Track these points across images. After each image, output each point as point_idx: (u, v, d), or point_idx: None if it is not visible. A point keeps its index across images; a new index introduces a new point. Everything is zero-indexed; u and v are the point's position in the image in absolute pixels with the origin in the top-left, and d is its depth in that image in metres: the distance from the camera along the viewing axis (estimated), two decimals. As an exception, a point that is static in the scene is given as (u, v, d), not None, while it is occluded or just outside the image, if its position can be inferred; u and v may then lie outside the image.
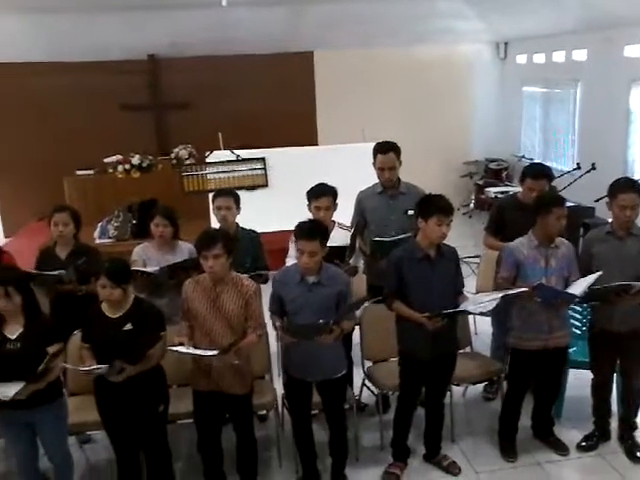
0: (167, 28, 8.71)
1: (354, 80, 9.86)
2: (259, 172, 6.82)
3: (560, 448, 3.92)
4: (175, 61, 9.40)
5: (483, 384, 4.51)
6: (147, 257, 4.10)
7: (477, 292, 4.99)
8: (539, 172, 4.21)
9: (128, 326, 3.17)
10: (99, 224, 7.32)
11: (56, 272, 3.94)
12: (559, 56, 8.87)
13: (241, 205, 4.28)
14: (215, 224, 4.42)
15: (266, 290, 4.07)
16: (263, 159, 6.87)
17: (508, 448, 3.91)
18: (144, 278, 3.87)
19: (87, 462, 3.96)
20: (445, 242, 3.54)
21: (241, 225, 4.30)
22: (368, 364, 4.19)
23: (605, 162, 7.09)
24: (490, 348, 4.60)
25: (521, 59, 10.08)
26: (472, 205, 9.95)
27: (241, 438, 3.54)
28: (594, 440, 3.96)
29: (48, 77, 9.19)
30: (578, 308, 4.40)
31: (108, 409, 3.32)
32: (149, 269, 3.95)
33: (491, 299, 3.44)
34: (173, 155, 8.43)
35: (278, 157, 6.87)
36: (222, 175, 6.77)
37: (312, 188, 4.08)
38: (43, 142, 9.34)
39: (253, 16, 8.70)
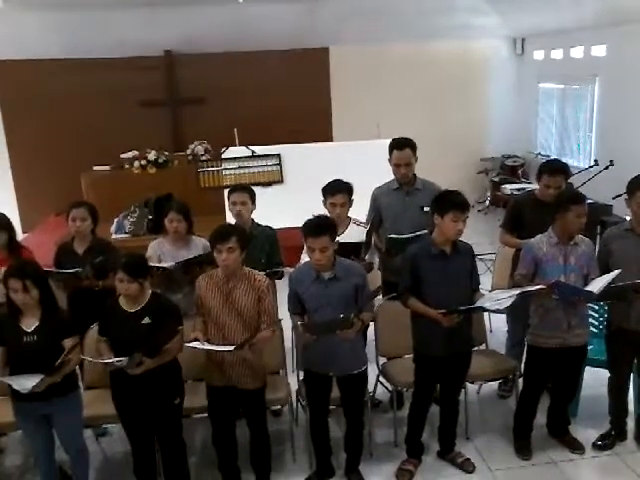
0: (183, 24, 8.75)
1: (370, 76, 9.84)
2: (274, 168, 6.83)
3: (576, 447, 3.89)
4: (191, 57, 9.44)
5: (498, 382, 4.49)
6: (162, 252, 4.12)
7: (492, 289, 4.98)
8: (556, 168, 4.17)
9: (146, 320, 3.20)
10: (115, 219, 7.37)
11: (73, 270, 3.98)
12: (577, 52, 8.79)
13: (256, 201, 4.29)
14: (230, 220, 4.43)
15: (281, 286, 4.10)
16: (278, 155, 6.88)
17: (523, 446, 3.89)
18: (159, 273, 3.90)
19: (103, 455, 4.00)
20: (460, 239, 3.52)
21: (257, 221, 4.30)
22: (382, 361, 4.19)
23: (623, 159, 7.01)
24: (505, 346, 4.58)
25: (538, 55, 9.99)
26: (488, 202, 9.90)
27: (254, 433, 3.56)
28: (610, 439, 3.92)
29: (65, 74, 9.27)
30: (595, 306, 4.37)
31: (124, 402, 3.35)
32: (164, 264, 3.97)
33: (508, 296, 3.42)
34: (189, 151, 8.47)
35: (293, 153, 6.87)
36: (238, 171, 6.79)
37: (328, 184, 4.08)
38: (60, 138, 9.45)
39: (269, 12, 8.72)
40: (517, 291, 3.47)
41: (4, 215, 4.20)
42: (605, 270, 3.60)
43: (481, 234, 7.08)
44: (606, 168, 6.83)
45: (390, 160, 4.33)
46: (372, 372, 4.08)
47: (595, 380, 4.19)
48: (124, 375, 3.19)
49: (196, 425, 3.97)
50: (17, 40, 8.61)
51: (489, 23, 9.66)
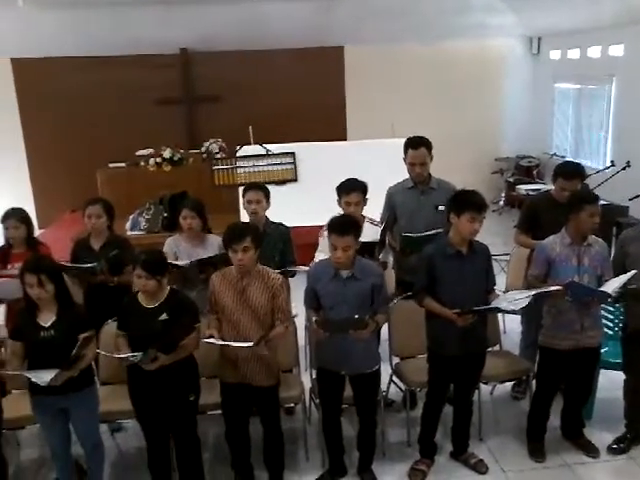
0: (199, 22, 8.78)
1: (384, 75, 9.83)
2: (289, 167, 6.83)
3: (590, 450, 3.86)
4: (206, 55, 9.47)
5: (511, 383, 4.47)
6: (178, 250, 4.14)
7: (507, 290, 4.95)
8: (572, 172, 4.13)
9: (163, 316, 3.22)
10: (130, 216, 7.40)
11: (88, 265, 4.01)
12: (594, 51, 8.72)
13: (270, 199, 4.30)
14: (245, 218, 4.45)
15: (296, 284, 4.11)
16: (293, 154, 6.88)
17: (536, 448, 3.87)
18: (174, 271, 3.92)
19: (118, 450, 4.03)
20: (475, 239, 3.51)
21: (270, 219, 4.31)
22: (396, 360, 4.18)
23: (640, 160, 6.95)
24: (519, 347, 4.56)
25: (554, 54, 9.91)
26: (502, 202, 9.85)
27: (268, 430, 3.58)
28: (625, 443, 3.89)
29: (81, 71, 9.34)
30: (610, 308, 4.34)
31: (141, 397, 3.37)
32: (179, 262, 3.99)
33: (523, 297, 3.40)
34: (204, 149, 8.49)
35: (308, 152, 6.87)
36: (252, 169, 6.80)
37: (342, 183, 4.08)
38: (76, 135, 9.53)
39: (284, 10, 8.73)
40: (533, 292, 3.45)
41: (23, 210, 4.26)
42: (621, 272, 3.56)
43: (495, 234, 7.04)
44: (623, 169, 6.77)
45: (405, 159, 4.32)
46: (385, 372, 4.08)
47: (610, 383, 4.16)
48: (141, 371, 3.21)
49: (210, 422, 3.98)
50: (35, 38, 8.70)
51: (505, 22, 9.60)
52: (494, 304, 3.48)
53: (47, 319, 3.23)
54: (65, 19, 8.40)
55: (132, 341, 3.28)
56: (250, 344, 3.23)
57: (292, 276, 4.24)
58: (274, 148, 6.93)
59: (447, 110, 9.98)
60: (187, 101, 9.69)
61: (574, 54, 9.29)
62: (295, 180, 6.83)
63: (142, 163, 8.37)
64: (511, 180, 9.91)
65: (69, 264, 4.05)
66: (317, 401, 3.80)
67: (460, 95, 10.07)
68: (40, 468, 3.91)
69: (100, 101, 9.44)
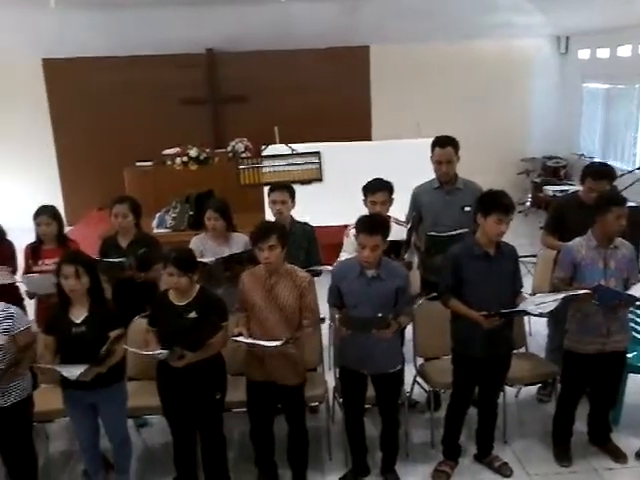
0: (226, 22, 8.83)
1: (410, 75, 9.80)
2: (314, 166, 6.84)
3: (618, 456, 3.81)
4: (232, 55, 9.54)
5: (537, 386, 4.43)
6: (204, 248, 4.18)
7: (533, 292, 4.91)
8: (601, 173, 4.08)
9: (193, 314, 3.26)
10: (157, 214, 7.51)
11: (117, 260, 4.07)
12: (625, 50, 8.58)
13: (296, 199, 4.32)
14: (270, 217, 4.47)
15: (318, 284, 4.11)
16: (318, 153, 6.89)
17: (562, 452, 3.83)
18: (201, 268, 3.95)
19: (144, 445, 4.09)
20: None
21: (295, 218, 4.33)
22: (420, 361, 4.17)
23: (671, 161, 6.83)
24: (545, 349, 4.52)
25: (583, 54, 9.79)
26: (528, 203, 9.75)
27: (293, 428, 3.59)
28: (654, 449, 3.84)
29: (110, 71, 9.49)
30: (638, 312, 4.27)
31: (169, 394, 3.42)
32: (205, 259, 4.03)
33: (551, 300, 3.37)
34: (229, 148, 8.56)
35: (333, 151, 6.87)
36: (277, 169, 6.82)
37: (369, 183, 4.08)
38: (104, 134, 9.67)
39: (310, 10, 8.74)
40: (561, 295, 3.41)
41: (54, 207, 4.36)
42: (651, 275, 3.52)
43: (521, 236, 6.95)
44: (653, 170, 6.67)
45: (432, 157, 4.31)
46: (409, 372, 4.08)
47: (639, 387, 4.10)
48: (170, 368, 3.25)
49: (235, 419, 4.01)
50: (66, 39, 8.84)
51: (533, 22, 9.50)
52: (521, 307, 3.45)
53: (79, 315, 3.28)
54: (95, 20, 8.52)
55: (161, 337, 3.32)
56: (278, 343, 3.25)
57: (317, 275, 4.25)
58: (299, 148, 6.94)
59: (473, 110, 9.91)
60: (213, 101, 9.77)
61: (603, 53, 9.15)
62: (320, 180, 6.84)
63: (169, 162, 8.47)
64: (537, 181, 9.81)
65: (98, 259, 4.11)
66: (340, 400, 3.81)
67: (487, 95, 10.00)
68: (68, 460, 3.98)
69: (128, 100, 9.57)
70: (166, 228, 7.39)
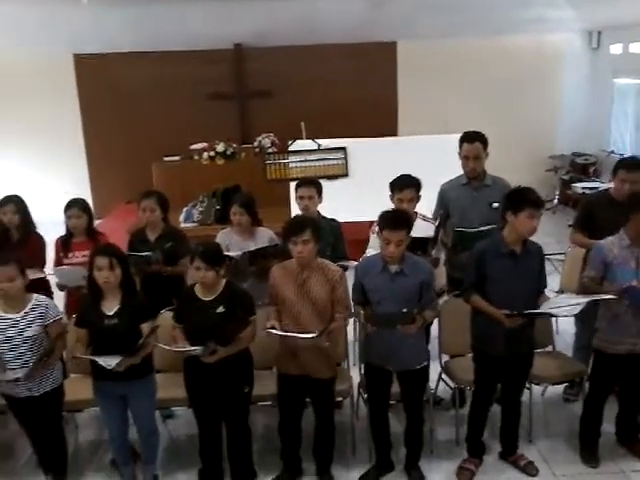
0: (254, 18, 8.85)
1: (437, 71, 9.71)
2: (340, 162, 6.82)
3: (646, 457, 3.76)
4: (260, 51, 9.56)
5: (564, 385, 4.38)
6: (230, 243, 4.21)
7: (560, 290, 4.86)
8: (634, 164, 4.01)
9: (220, 309, 3.28)
10: (184, 208, 7.58)
11: (144, 253, 4.12)
12: (658, 45, 8.41)
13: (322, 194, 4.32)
14: (296, 212, 4.48)
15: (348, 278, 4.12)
16: (344, 149, 6.88)
17: (589, 453, 3.79)
18: (226, 263, 3.99)
19: (169, 436, 4.15)
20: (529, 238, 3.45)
21: (322, 214, 4.34)
22: (445, 358, 4.16)
23: None
24: (572, 348, 4.46)
25: (615, 49, 9.59)
26: (556, 201, 9.62)
27: (321, 422, 3.61)
28: (684, 451, 3.78)
29: (138, 66, 9.60)
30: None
31: (196, 387, 3.45)
32: (231, 253, 4.06)
33: (576, 303, 3.32)
34: (256, 143, 8.60)
35: (359, 147, 6.85)
36: (303, 164, 6.82)
37: (396, 179, 4.06)
38: (133, 129, 9.78)
39: (337, 6, 8.71)
40: (586, 299, 3.37)
41: (85, 200, 4.43)
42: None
43: (549, 234, 6.89)
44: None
45: (459, 153, 4.29)
46: (435, 369, 4.07)
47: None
48: (198, 362, 3.28)
49: (261, 413, 4.05)
50: (97, 35, 8.95)
51: (564, 16, 9.33)
52: (544, 307, 3.41)
53: (111, 307, 3.33)
54: (125, 16, 8.59)
55: (189, 333, 3.34)
56: (312, 335, 3.26)
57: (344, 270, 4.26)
58: (325, 143, 6.93)
59: (501, 106, 9.79)
60: (240, 96, 9.81)
61: (636, 48, 8.97)
62: (346, 175, 6.83)
63: (196, 157, 8.55)
64: (566, 178, 9.67)
65: (128, 252, 4.16)
66: (365, 396, 3.82)
67: (515, 91, 9.86)
68: (97, 450, 4.05)
69: (156, 95, 9.66)
70: (193, 222, 7.46)
